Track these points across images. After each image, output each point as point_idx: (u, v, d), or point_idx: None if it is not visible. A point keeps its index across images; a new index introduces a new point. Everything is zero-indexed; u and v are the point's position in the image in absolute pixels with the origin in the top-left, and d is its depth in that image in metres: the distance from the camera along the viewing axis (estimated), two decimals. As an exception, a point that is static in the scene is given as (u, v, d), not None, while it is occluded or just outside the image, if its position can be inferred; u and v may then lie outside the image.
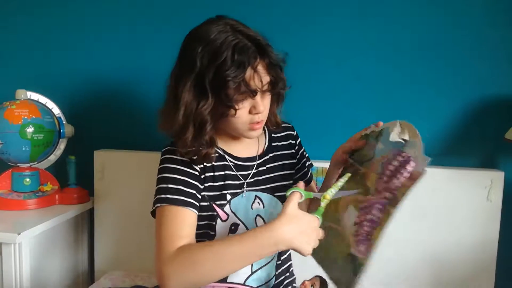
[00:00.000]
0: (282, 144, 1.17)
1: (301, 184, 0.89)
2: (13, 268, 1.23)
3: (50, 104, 1.52)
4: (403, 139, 0.88)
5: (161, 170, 1.02)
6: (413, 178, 0.83)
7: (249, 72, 0.93)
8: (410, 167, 0.84)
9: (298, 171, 1.19)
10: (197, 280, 0.88)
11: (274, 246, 0.84)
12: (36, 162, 1.48)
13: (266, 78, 0.97)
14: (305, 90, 1.42)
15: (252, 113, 0.98)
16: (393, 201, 0.84)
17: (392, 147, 0.89)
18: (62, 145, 1.53)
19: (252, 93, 0.94)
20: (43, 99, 1.51)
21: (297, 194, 0.86)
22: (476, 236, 1.37)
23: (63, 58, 1.60)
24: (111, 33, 1.56)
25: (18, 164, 1.45)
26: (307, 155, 1.22)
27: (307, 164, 1.21)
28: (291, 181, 1.16)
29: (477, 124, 1.43)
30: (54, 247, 1.40)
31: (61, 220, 1.39)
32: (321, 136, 1.47)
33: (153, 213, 1.00)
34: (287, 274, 1.16)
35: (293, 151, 1.18)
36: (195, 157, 0.99)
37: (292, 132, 1.19)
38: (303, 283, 0.94)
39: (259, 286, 1.08)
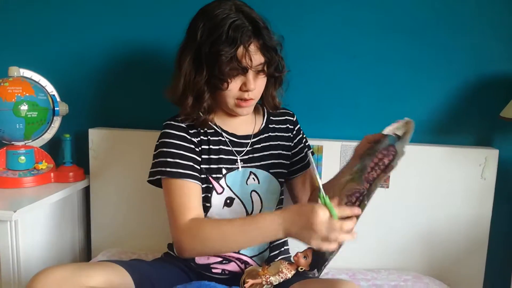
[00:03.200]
0: (280, 127, 1.21)
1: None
2: (10, 245, 1.23)
3: (44, 82, 1.50)
4: (396, 134, 0.88)
5: (159, 144, 1.09)
6: (386, 170, 0.85)
7: (241, 49, 0.99)
8: (387, 159, 0.85)
9: (295, 155, 1.22)
10: (206, 252, 1.03)
11: (275, 233, 0.92)
12: (30, 140, 1.47)
13: (259, 59, 1.03)
14: (302, 71, 1.41)
15: (242, 90, 1.04)
16: (368, 193, 0.86)
17: (388, 143, 0.90)
18: (56, 123, 1.52)
19: (243, 70, 1.01)
20: (36, 77, 1.49)
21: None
22: (469, 213, 1.39)
23: (56, 36, 1.58)
24: (105, 10, 1.54)
25: (13, 142, 1.45)
26: (307, 143, 1.26)
27: (305, 150, 1.24)
28: (287, 161, 1.19)
29: (472, 102, 1.43)
30: (50, 225, 1.40)
31: (57, 198, 1.39)
32: (318, 114, 1.47)
33: (150, 182, 1.10)
34: (282, 249, 1.19)
35: (290, 135, 1.22)
36: (193, 122, 1.08)
37: (291, 118, 1.23)
38: (296, 254, 0.97)
39: (253, 256, 1.11)
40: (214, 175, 1.09)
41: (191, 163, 1.05)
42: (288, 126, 1.22)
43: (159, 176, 1.05)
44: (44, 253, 1.38)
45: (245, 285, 0.97)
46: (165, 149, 1.06)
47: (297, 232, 0.89)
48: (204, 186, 1.09)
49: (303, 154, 1.23)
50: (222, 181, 1.10)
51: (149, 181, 1.10)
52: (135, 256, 1.42)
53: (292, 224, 0.89)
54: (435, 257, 1.41)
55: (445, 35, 1.41)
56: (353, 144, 1.39)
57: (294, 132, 1.23)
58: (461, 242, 1.40)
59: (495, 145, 1.43)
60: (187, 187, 1.03)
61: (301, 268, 0.97)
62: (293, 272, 0.97)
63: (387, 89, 1.45)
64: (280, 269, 0.96)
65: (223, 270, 1.09)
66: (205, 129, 1.10)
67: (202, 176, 1.08)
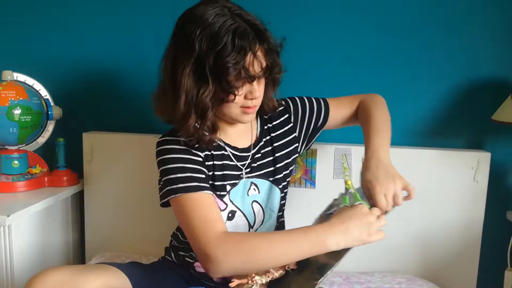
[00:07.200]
0: (279, 123, 1.14)
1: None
2: (3, 250, 1.23)
3: (37, 86, 1.49)
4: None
5: (163, 162, 0.99)
6: None
7: (249, 58, 0.91)
8: None
9: (308, 127, 1.16)
10: (250, 265, 0.89)
11: (323, 244, 0.88)
12: (24, 145, 1.46)
13: (263, 64, 0.96)
14: (295, 73, 1.41)
15: (247, 98, 0.97)
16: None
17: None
18: (50, 127, 1.52)
19: (251, 79, 0.94)
20: (30, 81, 1.49)
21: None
22: (462, 215, 1.39)
23: (50, 39, 1.58)
24: (99, 14, 1.54)
25: (6, 147, 1.44)
26: (315, 111, 1.15)
27: (321, 119, 1.15)
28: (294, 156, 1.15)
29: (465, 105, 1.44)
30: (43, 229, 1.40)
31: (51, 202, 1.38)
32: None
33: (165, 204, 1.00)
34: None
35: (295, 135, 1.15)
36: (197, 144, 0.98)
37: (287, 116, 1.14)
38: None
39: None
40: (218, 193, 1.04)
41: (203, 176, 0.98)
42: (288, 127, 1.14)
43: (173, 196, 0.95)
44: (38, 257, 1.37)
45: (230, 284, 0.94)
46: (171, 166, 0.97)
47: (346, 229, 0.89)
48: None
49: (322, 121, 1.15)
50: (226, 198, 1.05)
51: (162, 205, 1.01)
52: (128, 260, 1.41)
53: (342, 222, 0.90)
54: (428, 260, 1.42)
55: (437, 38, 1.42)
56: (346, 147, 1.39)
57: (298, 127, 1.15)
58: (454, 245, 1.41)
59: (487, 148, 1.44)
60: (207, 199, 0.95)
61: (289, 267, 0.94)
62: (281, 271, 0.94)
63: (379, 92, 1.45)
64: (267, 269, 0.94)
65: (224, 278, 1.05)
66: None
67: None
